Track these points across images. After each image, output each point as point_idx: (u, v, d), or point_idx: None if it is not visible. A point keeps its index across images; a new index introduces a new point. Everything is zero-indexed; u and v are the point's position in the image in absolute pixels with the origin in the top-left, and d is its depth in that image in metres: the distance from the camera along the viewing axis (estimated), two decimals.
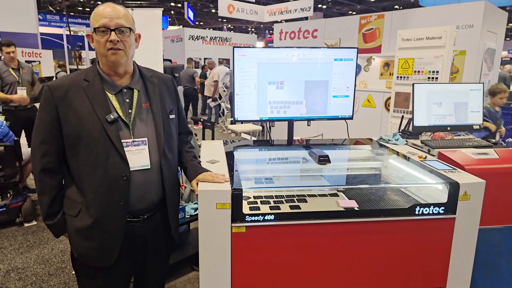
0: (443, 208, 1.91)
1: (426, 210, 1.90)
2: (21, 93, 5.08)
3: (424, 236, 1.93)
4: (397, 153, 2.51)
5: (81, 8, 26.38)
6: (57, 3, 23.21)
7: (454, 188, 1.90)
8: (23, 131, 5.22)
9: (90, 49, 10.06)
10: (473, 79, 5.24)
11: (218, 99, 10.48)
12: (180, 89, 10.55)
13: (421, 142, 2.64)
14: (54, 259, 3.43)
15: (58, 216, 1.68)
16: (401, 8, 20.19)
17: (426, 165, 2.18)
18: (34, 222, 4.16)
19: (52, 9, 23.55)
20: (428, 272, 1.98)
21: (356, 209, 1.95)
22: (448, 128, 2.81)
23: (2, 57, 5.09)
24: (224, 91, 10.69)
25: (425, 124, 2.77)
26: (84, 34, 10.90)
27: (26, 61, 6.20)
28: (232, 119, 3.34)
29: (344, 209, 1.93)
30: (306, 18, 12.02)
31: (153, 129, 1.71)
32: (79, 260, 1.73)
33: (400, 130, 3.01)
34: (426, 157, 2.34)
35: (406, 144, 2.73)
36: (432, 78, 4.19)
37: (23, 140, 4.98)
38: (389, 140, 2.77)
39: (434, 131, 2.83)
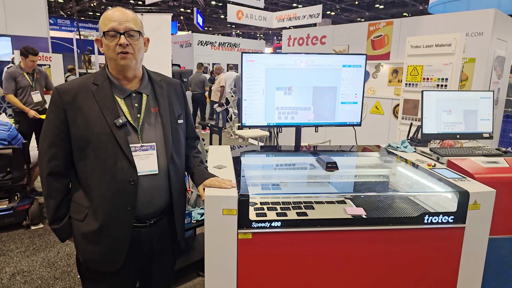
0: (452, 217, 1.88)
1: (435, 219, 1.87)
2: (36, 98, 5.14)
3: (433, 246, 1.90)
4: (406, 161, 2.48)
5: (91, 13, 26.67)
6: (68, 7, 23.51)
7: (463, 197, 1.88)
8: (33, 134, 5.27)
9: (100, 53, 10.14)
10: (482, 87, 5.19)
11: (224, 104, 10.50)
12: (189, 93, 10.59)
13: (430, 149, 2.61)
14: (60, 263, 3.43)
15: (64, 220, 1.67)
16: (409, 15, 20.14)
17: (435, 173, 2.16)
18: (41, 225, 4.17)
19: (63, 14, 23.82)
20: (437, 282, 1.95)
21: (364, 217, 1.93)
22: (458, 136, 2.78)
23: (20, 62, 5.15)
24: (232, 96, 10.71)
25: (434, 132, 2.75)
26: (94, 38, 11.01)
27: (37, 65, 6.26)
28: (239, 124, 3.34)
29: (351, 217, 1.91)
30: (315, 25, 12.03)
31: (161, 134, 1.71)
32: (85, 265, 1.72)
33: (409, 138, 2.99)
34: (435, 165, 2.31)
35: (415, 151, 2.71)
36: (441, 85, 4.16)
37: (33, 142, 5.02)
38: (397, 147, 2.74)
39: (443, 138, 2.81)
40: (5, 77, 4.98)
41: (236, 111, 10.55)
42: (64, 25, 23.28)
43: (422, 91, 2.72)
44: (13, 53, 7.32)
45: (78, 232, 1.67)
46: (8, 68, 5.33)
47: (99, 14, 26.00)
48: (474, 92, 2.90)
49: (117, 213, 1.61)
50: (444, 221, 1.88)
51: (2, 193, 4.13)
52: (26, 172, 4.17)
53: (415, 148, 2.74)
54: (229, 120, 10.87)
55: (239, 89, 2.43)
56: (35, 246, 3.73)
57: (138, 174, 1.61)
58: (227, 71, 13.01)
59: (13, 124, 4.70)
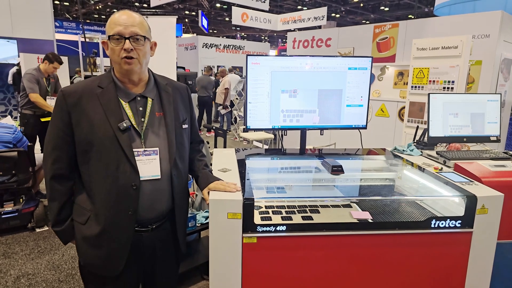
0: (459, 221, 1.86)
1: (442, 224, 1.85)
2: (51, 103, 5.18)
3: (440, 250, 1.88)
4: (412, 164, 2.46)
5: (97, 16, 26.83)
6: (74, 10, 23.67)
7: (471, 201, 1.85)
8: (37, 137, 5.29)
9: (105, 56, 10.20)
10: (489, 90, 5.16)
11: (228, 106, 10.50)
12: (194, 96, 10.59)
13: (437, 153, 2.59)
14: (65, 266, 3.43)
15: (67, 223, 1.67)
16: (415, 17, 20.10)
17: (442, 177, 2.13)
18: (46, 228, 4.17)
19: (69, 16, 23.98)
20: None
21: (370, 221, 1.90)
22: (464, 139, 2.76)
23: (39, 65, 5.21)
24: (237, 98, 10.70)
25: (440, 135, 2.72)
26: (99, 41, 11.07)
27: None
28: (244, 127, 3.33)
29: (357, 221, 1.89)
30: (320, 27, 12.02)
31: (165, 139, 1.70)
32: (86, 268, 1.72)
33: (415, 141, 2.96)
34: (442, 168, 2.29)
35: (421, 155, 2.68)
36: (448, 88, 4.13)
37: (36, 145, 5.04)
38: (403, 150, 2.72)
39: (450, 142, 2.78)
40: (29, 78, 5.06)
41: (241, 113, 10.55)
42: (70, 27, 23.49)
43: (429, 94, 2.70)
44: (18, 56, 7.36)
45: (79, 235, 1.67)
46: (25, 72, 5.37)
47: (104, 16, 26.16)
48: (481, 95, 2.87)
49: (119, 217, 1.60)
50: (451, 225, 1.86)
51: (7, 196, 4.14)
52: (31, 174, 4.18)
53: (421, 152, 2.72)
54: (233, 122, 10.86)
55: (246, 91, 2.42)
56: (40, 249, 3.73)
57: (141, 179, 1.60)
58: (229, 73, 13.02)
59: (18, 126, 4.72)
